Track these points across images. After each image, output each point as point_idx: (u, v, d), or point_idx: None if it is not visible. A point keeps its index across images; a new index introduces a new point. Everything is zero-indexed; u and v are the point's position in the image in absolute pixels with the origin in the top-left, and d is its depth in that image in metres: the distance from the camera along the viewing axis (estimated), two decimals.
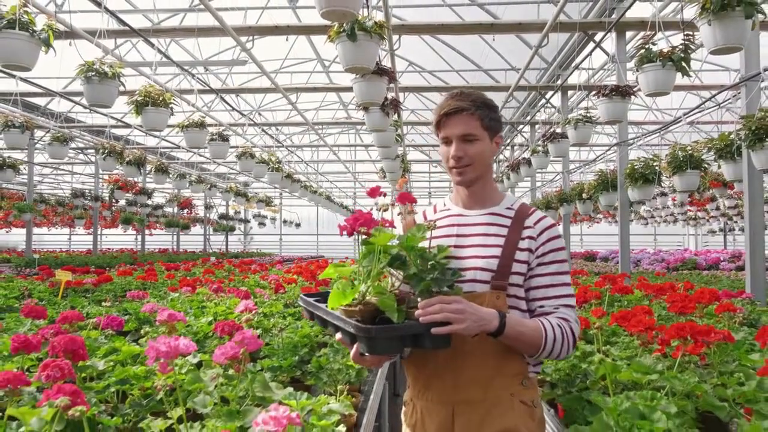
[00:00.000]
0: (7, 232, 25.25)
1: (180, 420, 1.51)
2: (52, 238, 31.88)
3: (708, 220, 20.97)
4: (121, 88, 4.65)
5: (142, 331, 2.59)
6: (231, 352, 1.84)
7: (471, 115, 1.66)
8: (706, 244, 28.41)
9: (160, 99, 5.37)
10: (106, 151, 8.36)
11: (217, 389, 1.80)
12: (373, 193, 1.71)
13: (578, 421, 1.99)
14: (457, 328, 1.40)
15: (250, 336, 1.84)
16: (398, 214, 1.80)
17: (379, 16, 4.68)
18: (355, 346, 1.53)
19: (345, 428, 1.81)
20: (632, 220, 23.25)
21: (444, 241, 1.68)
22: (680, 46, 3.93)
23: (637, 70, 4.16)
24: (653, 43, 4.13)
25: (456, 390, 1.62)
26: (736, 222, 21.32)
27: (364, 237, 1.53)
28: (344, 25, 3.23)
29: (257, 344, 1.85)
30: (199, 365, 2.15)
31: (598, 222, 22.19)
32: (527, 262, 1.65)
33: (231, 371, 1.85)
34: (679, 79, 4.30)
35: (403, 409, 1.83)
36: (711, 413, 1.84)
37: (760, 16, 3.19)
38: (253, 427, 1.17)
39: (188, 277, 6.33)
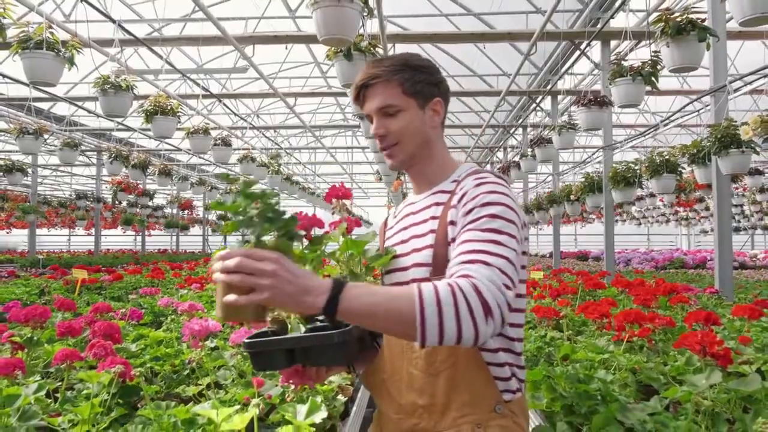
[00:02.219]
0: (7, 233, 25.56)
1: (209, 386, 1.86)
2: (51, 238, 32.09)
3: (699, 220, 21.34)
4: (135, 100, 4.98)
5: (167, 320, 2.93)
6: (246, 335, 2.20)
7: (388, 83, 1.34)
8: (698, 243, 28.81)
9: (169, 108, 5.71)
10: (113, 155, 8.70)
11: (235, 365, 2.15)
12: (331, 196, 1.58)
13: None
14: (255, 298, 0.99)
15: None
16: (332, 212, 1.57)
17: (375, 27, 5.01)
18: None
19: (344, 398, 2.17)
20: (625, 221, 23.66)
21: (395, 239, 1.44)
22: (649, 62, 4.29)
23: (610, 84, 4.53)
24: (624, 60, 4.48)
25: (408, 415, 1.30)
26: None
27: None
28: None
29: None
30: (214, 349, 2.49)
31: (591, 222, 22.58)
32: (453, 240, 1.26)
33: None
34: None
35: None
36: (650, 385, 2.20)
37: (712, 39, 3.54)
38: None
39: (193, 276, 6.67)
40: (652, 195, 13.38)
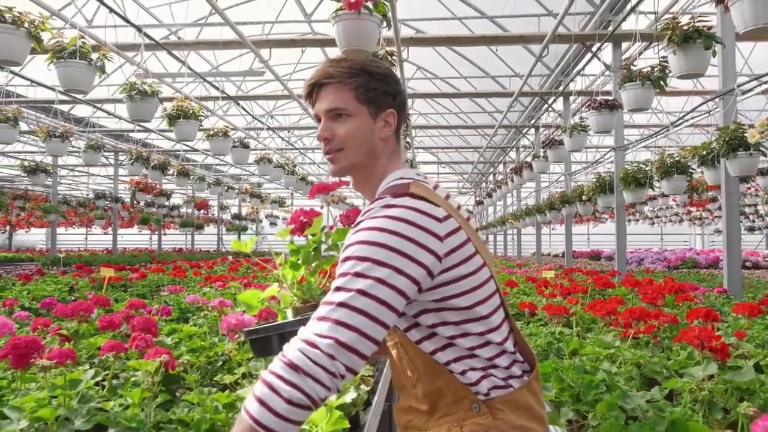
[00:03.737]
0: (26, 231, 26.02)
1: (243, 376, 2.03)
2: (68, 237, 32.55)
3: (713, 220, 21.29)
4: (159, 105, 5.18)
5: (194, 316, 3.11)
6: None
7: (342, 85, 1.30)
8: (712, 243, 28.70)
9: (191, 112, 5.90)
10: (134, 156, 8.94)
11: (266, 358, 2.31)
12: (316, 191, 1.64)
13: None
14: None
15: None
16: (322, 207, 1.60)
17: (389, 30, 5.15)
18: None
19: (366, 388, 2.33)
20: (638, 220, 23.66)
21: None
22: (658, 67, 4.41)
23: (620, 89, 4.65)
24: (634, 65, 4.61)
25: (401, 413, 1.40)
26: (741, 222, 21.65)
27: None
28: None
29: None
30: (243, 343, 2.66)
31: (603, 222, 22.60)
32: None
33: None
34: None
35: None
36: (654, 378, 2.34)
37: (719, 47, 3.66)
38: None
39: (212, 274, 6.86)
40: (664, 195, 13.44)
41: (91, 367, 2.32)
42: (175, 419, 1.71)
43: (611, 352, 2.44)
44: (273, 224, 26.46)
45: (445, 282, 1.21)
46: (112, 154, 14.98)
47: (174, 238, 31.01)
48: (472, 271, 1.24)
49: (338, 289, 1.11)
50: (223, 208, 22.11)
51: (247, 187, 15.65)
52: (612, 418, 1.55)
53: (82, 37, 4.09)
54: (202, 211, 20.59)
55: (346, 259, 1.14)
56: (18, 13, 3.51)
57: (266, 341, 1.34)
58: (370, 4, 2.99)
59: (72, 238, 32.54)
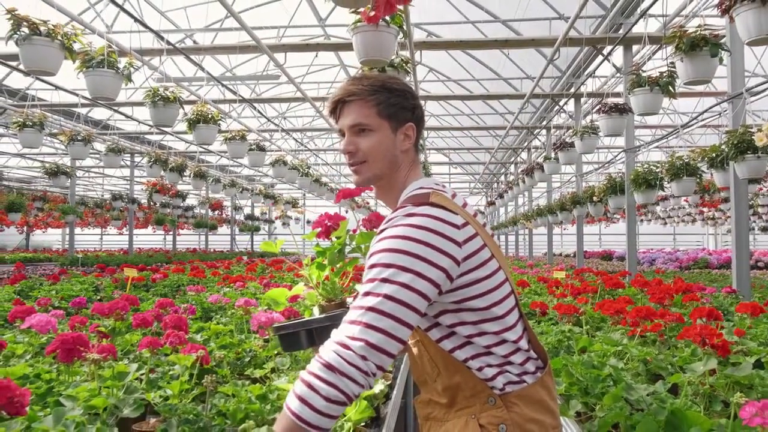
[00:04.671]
0: (43, 232, 26.42)
1: (272, 370, 2.17)
2: (83, 237, 32.92)
3: (726, 220, 21.22)
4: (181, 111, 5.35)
5: (217, 315, 3.26)
6: None
7: (364, 102, 1.41)
8: (725, 243, 28.57)
9: (210, 116, 6.07)
10: (153, 159, 9.14)
11: (293, 354, 2.45)
12: (343, 196, 1.70)
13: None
14: None
15: None
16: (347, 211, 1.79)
17: (403, 39, 5.28)
18: None
19: (387, 383, 2.46)
20: (650, 221, 23.63)
21: None
22: (666, 73, 4.52)
23: (629, 94, 4.75)
24: (642, 70, 4.71)
25: (422, 405, 1.49)
26: (755, 222, 21.59)
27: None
28: None
29: None
30: (266, 341, 2.80)
31: (615, 222, 22.60)
32: None
33: None
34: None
35: None
36: (660, 374, 2.45)
37: (725, 54, 3.76)
38: None
39: (230, 275, 7.03)
40: (674, 196, 13.47)
41: (128, 362, 2.48)
42: (205, 417, 1.85)
43: (619, 349, 2.56)
44: (285, 224, 26.68)
45: (464, 285, 1.30)
46: (128, 155, 15.23)
47: (187, 239, 31.30)
48: (488, 275, 1.33)
49: (367, 293, 1.21)
50: (237, 208, 22.32)
51: (261, 188, 15.84)
52: (617, 409, 1.68)
53: (110, 47, 4.25)
54: (216, 212, 20.82)
55: (373, 266, 1.24)
56: (52, 26, 3.69)
57: (295, 336, 1.44)
58: (387, 17, 3.12)
59: (87, 238, 32.90)
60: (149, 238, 32.56)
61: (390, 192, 1.49)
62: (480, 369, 1.36)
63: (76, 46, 4.01)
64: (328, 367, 1.15)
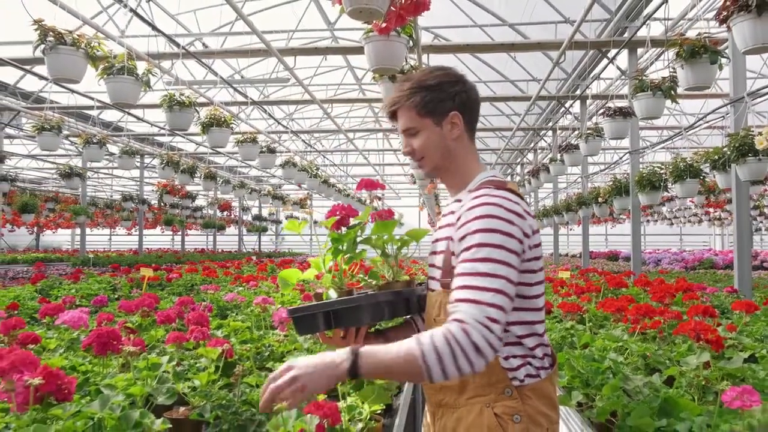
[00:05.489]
0: (53, 232, 26.70)
1: None
2: (92, 238, 33.16)
3: (732, 221, 21.17)
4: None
5: (232, 312, 3.40)
6: None
7: (405, 108, 1.51)
8: (732, 244, 28.52)
9: (223, 120, 6.22)
10: (165, 161, 9.31)
11: (308, 348, 2.60)
12: (362, 186, 1.70)
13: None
14: (300, 396, 1.23)
15: None
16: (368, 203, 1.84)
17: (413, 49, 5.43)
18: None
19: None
20: (656, 221, 23.69)
21: (434, 237, 1.61)
22: (668, 78, 4.64)
23: (632, 98, 4.87)
24: (645, 75, 4.83)
25: (433, 391, 1.51)
26: (761, 222, 21.60)
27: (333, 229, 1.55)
28: None
29: None
30: (285, 336, 2.94)
31: (621, 222, 22.66)
32: (454, 253, 1.43)
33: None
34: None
35: None
36: (658, 368, 2.58)
37: (725, 61, 3.88)
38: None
39: (241, 274, 7.18)
40: (677, 197, 13.55)
41: (155, 356, 2.62)
42: (236, 402, 2.00)
43: (619, 345, 2.69)
44: None
45: (525, 270, 1.40)
46: (139, 157, 15.43)
47: (195, 239, 31.53)
48: (540, 267, 1.45)
49: (486, 275, 1.29)
50: (244, 209, 22.51)
51: (269, 189, 16.01)
52: (614, 398, 1.81)
53: (131, 56, 4.42)
54: (225, 213, 21.02)
55: (479, 245, 1.32)
56: (77, 35, 3.85)
57: (312, 319, 1.45)
58: (398, 27, 3.26)
59: (96, 238, 33.16)
60: (157, 239, 32.80)
61: (453, 177, 1.58)
62: (506, 358, 1.42)
63: (98, 54, 4.16)
64: (477, 350, 1.22)
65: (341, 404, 1.73)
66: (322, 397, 1.78)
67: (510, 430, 1.38)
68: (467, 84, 1.54)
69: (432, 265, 1.55)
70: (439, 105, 1.49)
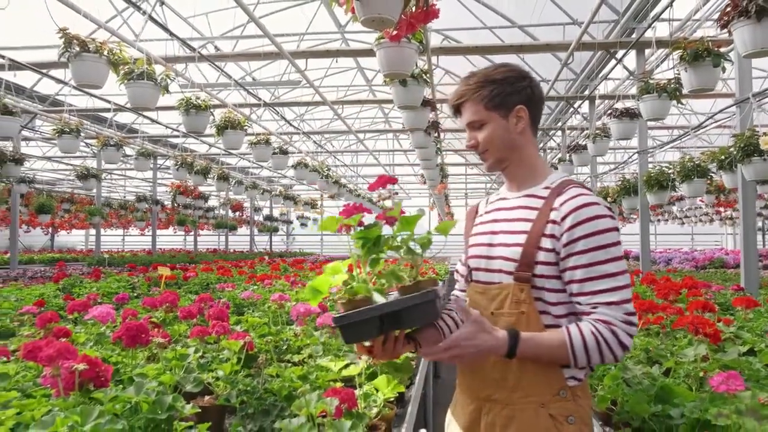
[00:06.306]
0: (68, 233, 27.08)
1: (309, 356, 2.44)
2: (105, 238, 33.45)
3: None
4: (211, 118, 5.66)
5: (249, 309, 3.54)
6: (329, 320, 2.78)
7: (472, 101, 1.54)
8: None
9: (237, 122, 6.37)
10: (179, 162, 9.49)
11: (324, 342, 2.73)
12: (377, 185, 1.58)
13: None
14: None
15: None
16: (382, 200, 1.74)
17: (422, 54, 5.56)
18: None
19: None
20: (667, 221, 23.65)
21: (485, 228, 1.61)
22: (674, 80, 4.73)
23: (638, 100, 4.96)
24: (651, 78, 4.92)
25: (483, 386, 1.50)
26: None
27: (359, 228, 1.44)
28: None
29: None
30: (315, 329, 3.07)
31: (632, 222, 22.62)
32: (554, 251, 1.43)
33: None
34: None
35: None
36: (660, 361, 2.69)
37: (727, 64, 3.97)
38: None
39: (255, 273, 7.33)
40: (684, 198, 13.58)
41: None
42: (260, 389, 2.13)
43: None
44: (304, 225, 27.09)
45: None
46: (152, 158, 15.66)
47: (207, 239, 31.80)
48: None
49: (616, 274, 1.39)
50: (256, 209, 22.70)
51: (281, 189, 16.17)
52: (614, 387, 1.92)
53: (149, 62, 4.57)
54: (237, 213, 21.23)
55: (607, 245, 1.39)
56: (99, 43, 4.00)
57: (364, 325, 1.33)
58: (408, 35, 3.38)
59: (109, 239, 33.50)
60: (170, 239, 33.09)
61: (517, 170, 1.60)
62: None
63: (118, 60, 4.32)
64: (622, 346, 1.36)
65: (358, 391, 1.85)
66: (339, 385, 1.91)
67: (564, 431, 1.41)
68: (533, 80, 1.58)
69: (486, 257, 1.56)
70: (506, 98, 1.53)
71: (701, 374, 2.20)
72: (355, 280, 1.41)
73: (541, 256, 1.44)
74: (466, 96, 1.55)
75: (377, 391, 1.91)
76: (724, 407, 1.50)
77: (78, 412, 1.45)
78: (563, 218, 1.42)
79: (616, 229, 1.43)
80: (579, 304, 1.41)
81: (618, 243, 1.42)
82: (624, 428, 1.62)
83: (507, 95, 1.52)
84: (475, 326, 1.34)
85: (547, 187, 1.53)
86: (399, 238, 1.43)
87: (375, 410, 1.76)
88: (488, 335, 1.35)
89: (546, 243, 1.44)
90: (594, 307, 1.38)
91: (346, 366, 1.95)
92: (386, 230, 1.49)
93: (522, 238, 1.47)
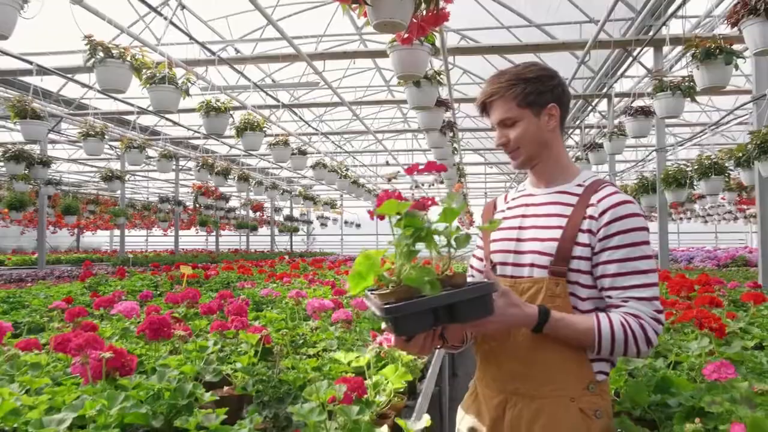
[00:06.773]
0: (93, 234, 27.59)
1: (324, 349, 2.54)
2: (128, 239, 33.88)
3: None
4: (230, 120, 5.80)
5: (268, 306, 3.64)
6: (344, 315, 2.88)
7: (503, 99, 1.54)
8: None
9: (256, 124, 6.51)
10: (201, 164, 9.67)
11: (338, 336, 2.82)
12: (426, 169, 1.44)
13: None
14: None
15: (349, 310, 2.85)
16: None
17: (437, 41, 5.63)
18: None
19: (422, 364, 2.80)
20: (689, 219, 23.39)
21: (511, 223, 1.61)
22: (688, 78, 4.74)
23: (652, 98, 4.98)
24: (666, 76, 4.94)
25: (510, 379, 1.51)
26: None
27: (398, 216, 1.30)
28: None
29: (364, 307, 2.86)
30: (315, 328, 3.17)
31: (653, 220, 22.41)
32: (590, 246, 1.46)
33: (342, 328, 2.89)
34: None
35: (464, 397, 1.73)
36: (666, 354, 2.73)
37: (740, 61, 3.98)
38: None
39: (275, 272, 7.46)
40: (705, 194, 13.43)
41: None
42: (275, 378, 2.22)
43: None
44: (324, 225, 27.29)
45: None
46: (174, 159, 15.93)
47: (228, 239, 32.15)
48: None
49: (647, 271, 1.44)
50: (276, 210, 22.93)
51: (301, 189, 16.34)
52: (617, 377, 1.98)
53: (170, 65, 4.71)
54: (257, 213, 21.47)
55: (640, 243, 1.44)
56: (123, 49, 4.15)
57: (420, 317, 1.26)
58: (420, 38, 3.46)
59: (132, 239, 33.96)
60: (192, 239, 33.47)
61: (546, 167, 1.62)
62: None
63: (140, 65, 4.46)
64: (649, 344, 1.41)
65: (368, 381, 1.94)
66: (350, 374, 2.00)
67: (593, 426, 1.43)
68: (562, 80, 1.60)
69: (514, 251, 1.57)
70: (539, 97, 1.54)
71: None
72: (399, 271, 1.28)
73: (577, 251, 1.46)
74: (497, 94, 1.55)
75: (387, 381, 1.99)
76: (718, 396, 1.56)
77: (105, 396, 1.56)
78: (601, 214, 1.46)
79: (648, 229, 1.47)
80: (610, 297, 1.44)
81: (649, 242, 1.47)
82: (624, 416, 1.68)
83: (539, 93, 1.54)
84: (504, 299, 1.35)
85: (580, 185, 1.56)
86: (443, 228, 1.32)
87: (384, 398, 1.85)
88: (517, 309, 1.37)
89: (582, 238, 1.46)
90: (625, 301, 1.42)
91: (357, 358, 2.04)
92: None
93: (557, 233, 1.49)
